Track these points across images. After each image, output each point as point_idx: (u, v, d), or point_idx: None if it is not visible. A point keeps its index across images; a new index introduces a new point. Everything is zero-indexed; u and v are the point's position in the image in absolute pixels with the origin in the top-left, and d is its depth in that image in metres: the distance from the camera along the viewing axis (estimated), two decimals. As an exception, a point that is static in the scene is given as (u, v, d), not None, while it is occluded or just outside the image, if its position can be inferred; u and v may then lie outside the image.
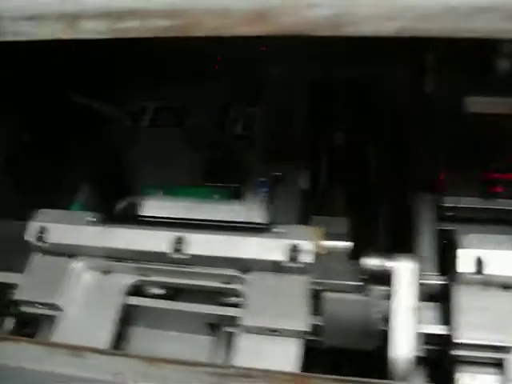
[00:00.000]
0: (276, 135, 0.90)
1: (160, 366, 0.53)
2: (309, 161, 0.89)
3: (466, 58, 0.63)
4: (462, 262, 0.59)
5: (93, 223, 0.69)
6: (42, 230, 0.69)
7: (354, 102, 0.94)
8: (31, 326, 0.80)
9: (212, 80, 1.08)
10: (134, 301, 0.69)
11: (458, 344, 0.58)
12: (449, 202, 0.73)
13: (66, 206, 0.85)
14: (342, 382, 0.51)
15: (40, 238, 0.69)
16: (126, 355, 0.55)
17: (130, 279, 0.69)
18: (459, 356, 0.59)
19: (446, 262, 0.66)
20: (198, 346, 0.74)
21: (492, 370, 0.59)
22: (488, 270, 0.59)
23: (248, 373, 0.52)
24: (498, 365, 0.59)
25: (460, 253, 0.60)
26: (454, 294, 0.60)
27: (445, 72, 0.68)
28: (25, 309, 0.69)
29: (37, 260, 0.70)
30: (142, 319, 0.74)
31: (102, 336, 0.66)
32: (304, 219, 0.80)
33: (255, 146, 0.90)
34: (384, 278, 0.59)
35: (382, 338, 0.61)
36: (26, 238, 0.69)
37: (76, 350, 0.56)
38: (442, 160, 0.71)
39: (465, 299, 0.59)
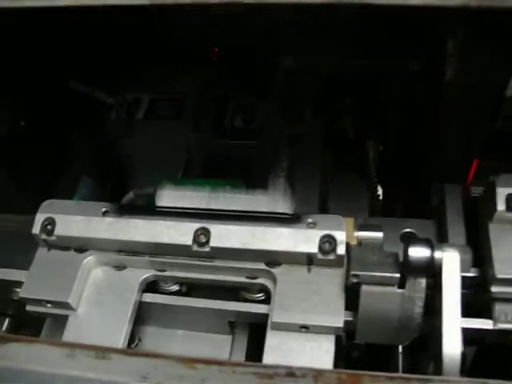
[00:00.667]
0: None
1: (196, 368, 0.49)
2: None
3: (505, 36, 0.60)
4: (500, 201, 0.59)
5: (105, 214, 0.64)
6: (49, 222, 0.64)
7: (368, 93, 0.91)
8: (27, 327, 0.75)
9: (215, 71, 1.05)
10: (151, 298, 0.64)
11: (499, 279, 0.58)
12: (476, 191, 0.71)
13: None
14: (395, 379, 0.48)
15: (47, 231, 0.64)
16: (157, 356, 0.50)
17: (145, 274, 0.64)
18: (498, 293, 0.59)
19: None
20: (214, 346, 0.70)
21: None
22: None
23: (292, 372, 0.48)
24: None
25: (498, 191, 0.59)
26: (492, 232, 0.60)
27: (477, 57, 0.65)
28: (31, 308, 0.64)
29: (43, 255, 0.65)
30: (155, 317, 0.69)
31: (117, 336, 0.61)
32: (324, 182, 0.79)
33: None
34: (426, 268, 0.56)
35: (418, 332, 0.59)
36: (32, 231, 0.64)
37: (100, 351, 0.51)
38: (472, 148, 0.69)
39: (503, 237, 0.59)
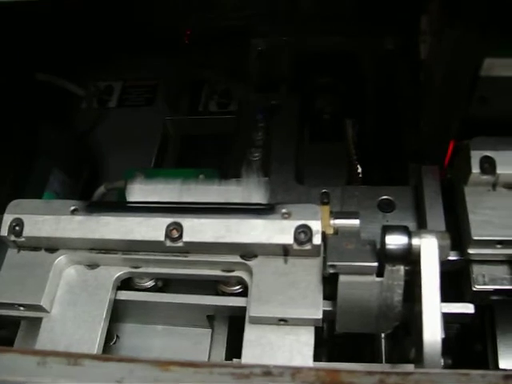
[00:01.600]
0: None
1: (171, 370, 0.48)
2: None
3: (478, 14, 0.58)
4: (474, 163, 0.60)
5: (75, 212, 0.62)
6: (17, 223, 0.62)
7: (341, 72, 0.89)
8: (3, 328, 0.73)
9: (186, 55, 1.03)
10: (125, 295, 0.63)
11: (476, 241, 0.60)
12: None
13: (36, 196, 0.78)
14: (374, 373, 0.47)
15: (15, 232, 0.62)
16: (132, 360, 0.49)
17: (119, 272, 0.62)
18: (475, 255, 0.61)
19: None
20: (194, 340, 0.69)
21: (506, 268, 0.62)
22: (499, 169, 0.60)
23: (269, 370, 0.47)
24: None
25: (472, 154, 0.61)
26: (467, 195, 0.62)
27: (449, 33, 0.63)
28: (4, 312, 0.62)
29: (13, 257, 0.63)
30: (132, 314, 0.68)
31: (93, 336, 0.59)
32: (301, 148, 0.79)
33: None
34: (404, 256, 0.54)
35: (399, 320, 0.58)
36: (0, 233, 0.62)
37: (72, 357, 0.49)
38: (448, 129, 0.67)
39: (478, 199, 0.61)
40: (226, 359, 0.66)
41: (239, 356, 0.58)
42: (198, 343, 0.68)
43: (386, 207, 0.70)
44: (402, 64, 0.86)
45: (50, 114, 0.88)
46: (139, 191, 0.64)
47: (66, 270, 0.63)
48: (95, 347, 0.59)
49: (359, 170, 0.90)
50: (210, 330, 0.68)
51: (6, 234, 0.62)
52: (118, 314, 0.65)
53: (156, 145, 0.92)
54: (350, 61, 0.90)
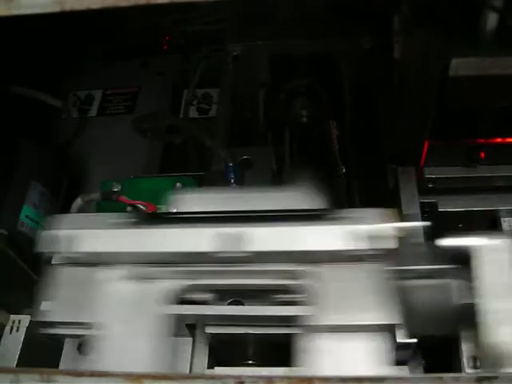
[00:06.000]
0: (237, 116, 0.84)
1: (143, 383, 0.47)
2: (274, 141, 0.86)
3: (444, 16, 0.58)
4: None
5: (123, 225, 0.59)
6: (66, 239, 0.58)
7: (318, 76, 0.88)
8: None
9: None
10: (180, 310, 0.59)
11: None
12: (430, 173, 0.70)
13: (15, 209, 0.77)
14: (347, 380, 0.47)
15: (64, 248, 0.58)
16: (103, 374, 0.48)
17: (173, 285, 0.59)
18: None
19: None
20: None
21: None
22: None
23: (241, 381, 0.47)
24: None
25: None
26: None
27: (419, 34, 0.62)
28: (56, 331, 0.59)
29: (63, 274, 0.60)
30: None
31: (148, 353, 0.56)
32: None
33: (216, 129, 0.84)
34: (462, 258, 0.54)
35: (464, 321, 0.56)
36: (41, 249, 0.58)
37: (45, 374, 0.49)
38: (422, 129, 0.67)
39: None
40: (209, 368, 0.64)
41: (221, 365, 0.58)
42: (181, 352, 0.67)
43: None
44: (381, 63, 0.86)
45: (29, 126, 0.88)
46: (187, 201, 0.62)
47: (117, 285, 0.59)
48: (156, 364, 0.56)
49: (343, 170, 0.89)
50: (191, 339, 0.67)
51: (55, 251, 0.59)
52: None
53: (137, 154, 0.91)
54: (328, 62, 0.90)
